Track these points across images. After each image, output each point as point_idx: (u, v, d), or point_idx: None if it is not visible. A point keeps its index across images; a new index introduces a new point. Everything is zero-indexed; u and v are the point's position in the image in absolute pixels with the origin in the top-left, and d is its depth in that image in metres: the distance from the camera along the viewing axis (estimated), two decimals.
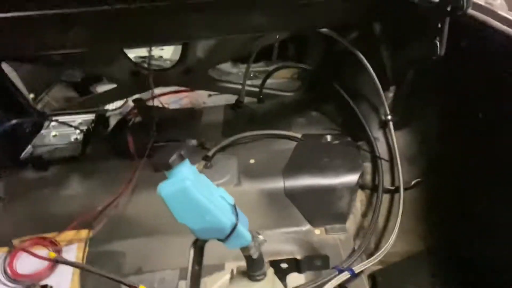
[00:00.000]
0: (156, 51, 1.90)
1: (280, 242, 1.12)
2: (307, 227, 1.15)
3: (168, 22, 0.97)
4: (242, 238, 0.64)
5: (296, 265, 1.06)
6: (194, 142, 1.35)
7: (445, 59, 0.96)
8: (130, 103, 1.60)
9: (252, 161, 1.26)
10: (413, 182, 1.18)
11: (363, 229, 1.16)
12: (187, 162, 0.61)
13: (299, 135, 1.35)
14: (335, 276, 0.91)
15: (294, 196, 1.17)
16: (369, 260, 0.98)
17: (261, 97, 1.58)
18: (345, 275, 0.91)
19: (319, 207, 1.17)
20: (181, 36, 1.16)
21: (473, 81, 0.98)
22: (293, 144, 1.33)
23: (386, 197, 1.19)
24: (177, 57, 1.48)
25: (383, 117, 1.24)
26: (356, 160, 1.22)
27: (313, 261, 1.06)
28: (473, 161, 1.02)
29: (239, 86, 1.54)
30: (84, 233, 1.09)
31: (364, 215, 1.20)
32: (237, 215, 0.63)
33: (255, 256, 0.66)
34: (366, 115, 1.30)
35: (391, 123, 1.21)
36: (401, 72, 1.20)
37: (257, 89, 1.57)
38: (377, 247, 1.14)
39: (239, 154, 1.29)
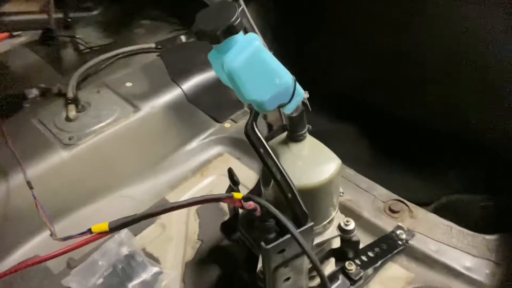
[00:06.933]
0: None
1: (205, 149, 1.05)
2: (216, 125, 1.10)
3: None
4: (300, 93, 0.58)
5: None
6: (35, 91, 1.02)
7: None
8: None
9: (128, 84, 1.06)
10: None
11: None
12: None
13: (152, 45, 1.21)
14: None
15: (197, 99, 1.08)
16: None
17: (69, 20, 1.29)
18: None
19: (220, 100, 1.12)
20: None
21: None
22: (151, 55, 1.18)
23: None
24: None
25: None
26: None
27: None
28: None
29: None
30: None
31: None
32: None
33: (307, 108, 0.61)
34: None
35: None
36: None
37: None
38: None
39: (107, 84, 1.05)
